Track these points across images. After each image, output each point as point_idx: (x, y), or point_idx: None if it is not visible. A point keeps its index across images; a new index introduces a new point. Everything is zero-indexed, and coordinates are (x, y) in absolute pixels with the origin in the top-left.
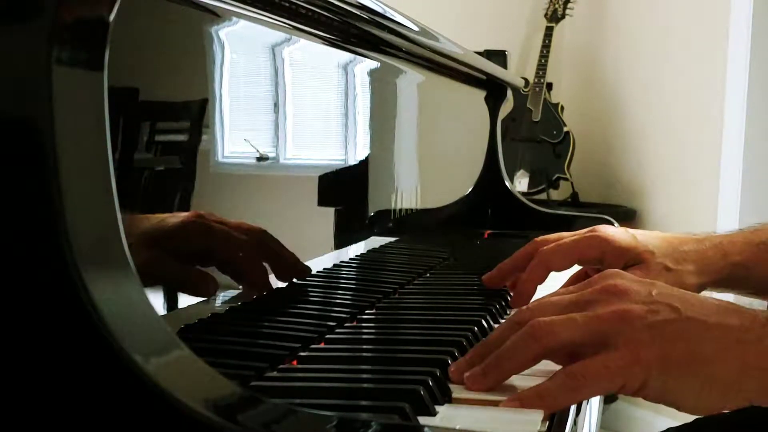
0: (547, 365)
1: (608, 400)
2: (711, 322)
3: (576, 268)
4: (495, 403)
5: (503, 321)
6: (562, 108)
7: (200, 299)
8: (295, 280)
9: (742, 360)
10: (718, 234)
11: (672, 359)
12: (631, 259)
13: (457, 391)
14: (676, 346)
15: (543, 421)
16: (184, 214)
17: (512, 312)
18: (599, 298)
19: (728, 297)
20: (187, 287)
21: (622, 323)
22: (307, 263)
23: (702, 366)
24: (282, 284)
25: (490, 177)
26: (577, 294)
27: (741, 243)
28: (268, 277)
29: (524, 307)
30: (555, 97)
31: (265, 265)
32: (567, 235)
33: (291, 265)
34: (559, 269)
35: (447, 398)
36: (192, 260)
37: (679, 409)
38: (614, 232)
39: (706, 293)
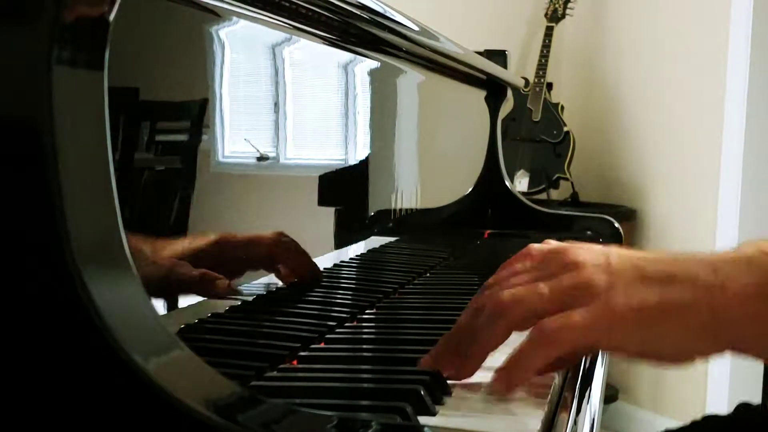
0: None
1: (608, 400)
2: (675, 272)
3: None
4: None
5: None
6: (563, 108)
7: (200, 299)
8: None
9: (711, 307)
10: (705, 254)
11: (644, 309)
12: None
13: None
14: (647, 299)
15: (543, 421)
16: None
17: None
18: (557, 272)
19: None
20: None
21: (589, 289)
22: None
23: (675, 313)
24: (282, 284)
25: (490, 177)
26: (537, 269)
27: (730, 262)
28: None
29: (485, 292)
30: (555, 96)
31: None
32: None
33: (310, 270)
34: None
35: (446, 393)
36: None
37: (661, 359)
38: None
39: None
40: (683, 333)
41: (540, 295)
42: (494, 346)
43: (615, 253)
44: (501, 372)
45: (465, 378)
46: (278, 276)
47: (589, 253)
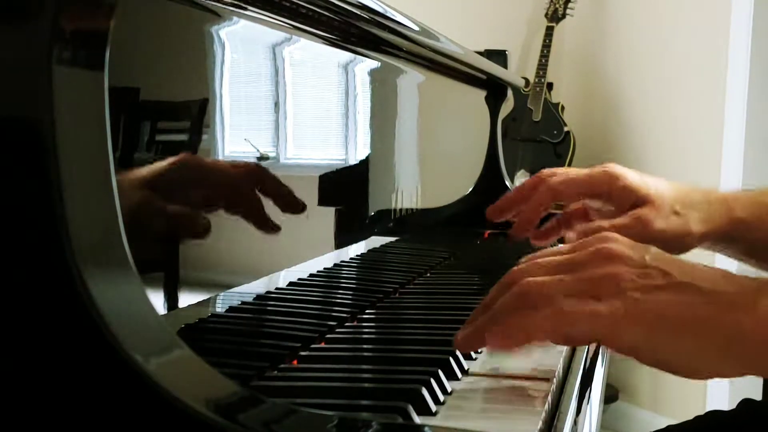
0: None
1: (608, 400)
2: (704, 287)
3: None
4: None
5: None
6: (563, 108)
7: (200, 299)
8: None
9: (735, 326)
10: (724, 191)
11: (665, 318)
12: (639, 198)
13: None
14: (669, 308)
15: (543, 421)
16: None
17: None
18: (591, 261)
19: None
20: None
21: (613, 285)
22: (307, 263)
23: (695, 328)
24: (282, 284)
25: (490, 177)
26: (568, 255)
27: (745, 200)
28: (264, 211)
29: (515, 267)
30: (555, 96)
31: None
32: (575, 170)
33: (289, 200)
34: (565, 200)
35: (448, 397)
36: (191, 199)
37: (673, 371)
38: (625, 171)
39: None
40: (699, 349)
41: (563, 285)
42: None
43: (652, 252)
44: (502, 328)
45: (475, 347)
46: (254, 209)
47: (625, 246)
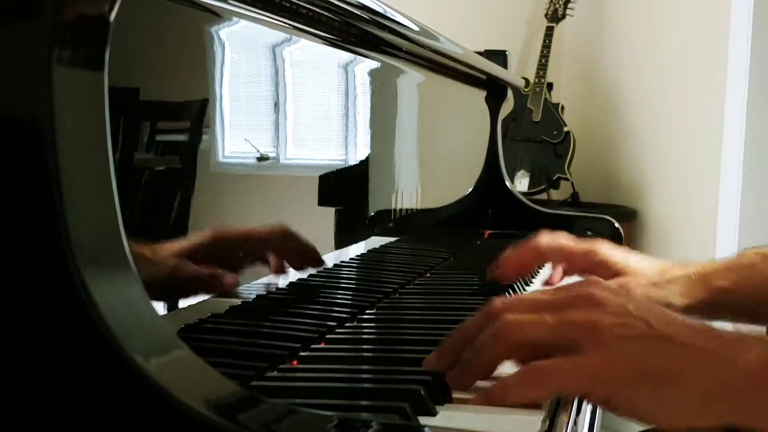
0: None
1: None
2: (684, 341)
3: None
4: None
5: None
6: (563, 108)
7: (200, 299)
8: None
9: (713, 379)
10: (702, 262)
11: (643, 373)
12: (618, 271)
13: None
14: (648, 361)
15: (543, 421)
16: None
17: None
18: (574, 303)
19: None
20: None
21: (593, 332)
22: None
23: (674, 382)
24: (282, 284)
25: (490, 177)
26: (552, 296)
27: (724, 269)
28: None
29: (498, 299)
30: (555, 97)
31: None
32: (568, 241)
33: (310, 257)
34: (549, 260)
35: (448, 398)
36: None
37: (652, 422)
38: (608, 248)
39: None
40: (679, 405)
41: (543, 325)
42: (489, 367)
43: (635, 300)
44: (485, 392)
45: (461, 389)
46: (280, 268)
47: (608, 293)
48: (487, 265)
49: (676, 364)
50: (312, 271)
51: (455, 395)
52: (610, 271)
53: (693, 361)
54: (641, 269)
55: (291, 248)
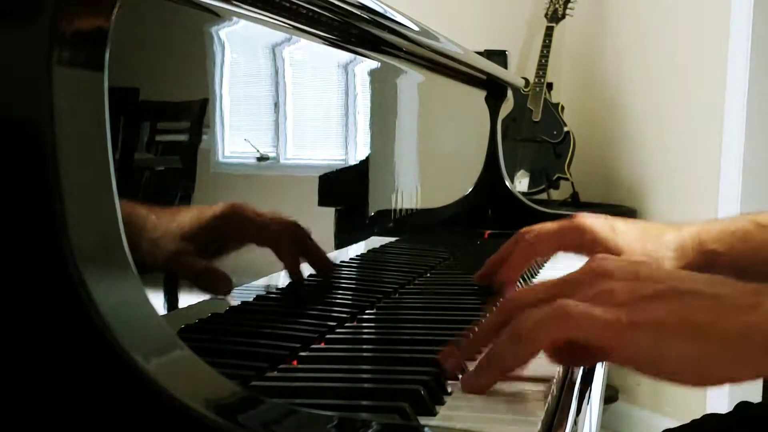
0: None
1: (608, 400)
2: (703, 291)
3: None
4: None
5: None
6: (563, 108)
7: (200, 299)
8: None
9: (741, 325)
10: (697, 223)
11: (665, 325)
12: (609, 249)
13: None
14: (669, 314)
15: (543, 421)
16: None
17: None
18: (584, 279)
19: None
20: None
21: (610, 298)
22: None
23: (698, 332)
24: (282, 284)
25: (490, 177)
26: (562, 277)
27: (717, 231)
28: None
29: (508, 296)
30: (555, 96)
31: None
32: (549, 224)
33: (322, 262)
34: (540, 255)
35: (448, 397)
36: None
37: (680, 382)
38: (593, 222)
39: None
40: (707, 356)
41: (560, 326)
42: (510, 371)
43: (646, 266)
44: (510, 335)
45: (475, 392)
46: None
47: (618, 261)
48: (477, 274)
49: (697, 315)
50: (319, 275)
51: (457, 393)
52: (601, 248)
53: (714, 310)
54: (629, 244)
55: (308, 250)
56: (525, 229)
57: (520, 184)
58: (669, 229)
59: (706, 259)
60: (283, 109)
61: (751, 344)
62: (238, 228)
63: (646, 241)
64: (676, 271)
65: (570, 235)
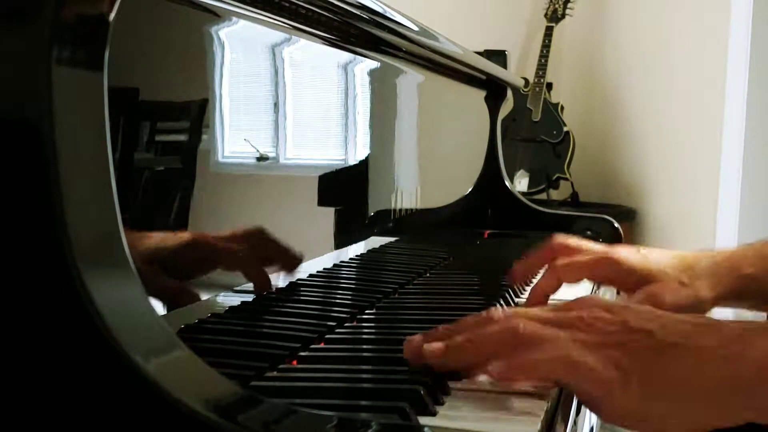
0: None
1: None
2: (688, 344)
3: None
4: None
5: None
6: (562, 108)
7: (200, 300)
8: (291, 274)
9: (725, 378)
10: (730, 249)
11: (650, 381)
12: (643, 279)
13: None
14: (653, 370)
15: (543, 421)
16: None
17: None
18: (574, 325)
19: (739, 314)
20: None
21: (598, 350)
22: (307, 263)
23: (680, 388)
24: (283, 283)
25: (490, 177)
26: (553, 314)
27: (752, 256)
28: (268, 278)
29: (497, 309)
30: (555, 96)
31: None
32: (585, 246)
33: (290, 261)
34: (569, 282)
35: (447, 397)
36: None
37: None
38: (627, 254)
39: (717, 310)
40: (688, 409)
41: (555, 345)
42: (482, 358)
43: (632, 311)
44: (502, 366)
45: (432, 360)
46: (258, 274)
47: (605, 311)
48: (507, 271)
49: (680, 369)
50: (293, 272)
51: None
52: (634, 279)
53: (698, 362)
54: (665, 271)
55: (268, 253)
56: (560, 243)
57: (520, 184)
58: (703, 256)
59: (742, 284)
60: (283, 109)
61: (735, 395)
62: (199, 258)
63: (680, 271)
64: (662, 317)
65: (604, 268)
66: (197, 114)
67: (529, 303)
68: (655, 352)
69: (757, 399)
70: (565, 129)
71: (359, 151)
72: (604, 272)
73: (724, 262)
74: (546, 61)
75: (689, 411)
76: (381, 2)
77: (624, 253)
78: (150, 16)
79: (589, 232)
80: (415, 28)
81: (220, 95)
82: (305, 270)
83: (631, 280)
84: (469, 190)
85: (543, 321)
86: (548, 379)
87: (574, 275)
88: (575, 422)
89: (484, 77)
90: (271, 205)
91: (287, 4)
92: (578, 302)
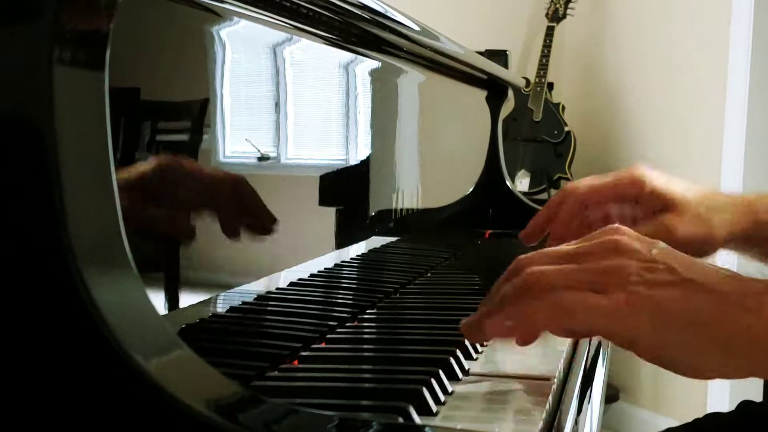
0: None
1: (609, 400)
2: (709, 284)
3: None
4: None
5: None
6: (563, 108)
7: (200, 299)
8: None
9: (740, 327)
10: (752, 194)
11: (667, 314)
12: (666, 204)
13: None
14: (672, 304)
15: (544, 421)
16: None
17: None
18: (597, 252)
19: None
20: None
21: (618, 277)
22: (308, 263)
23: (699, 326)
24: (283, 284)
25: (491, 177)
26: (575, 246)
27: None
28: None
29: (521, 256)
30: (556, 96)
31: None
32: (602, 176)
33: (264, 219)
34: (592, 208)
35: (449, 397)
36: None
37: (676, 370)
38: (652, 174)
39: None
40: (702, 348)
41: (567, 273)
42: (509, 330)
43: (659, 247)
44: (502, 317)
45: (477, 339)
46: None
47: (632, 239)
48: (523, 232)
49: (700, 309)
50: (262, 236)
51: (458, 393)
52: (658, 202)
53: (717, 307)
54: (686, 200)
55: (245, 202)
56: (571, 184)
57: (521, 184)
58: (722, 194)
59: (756, 229)
60: (284, 109)
61: (749, 346)
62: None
63: (699, 203)
64: (688, 258)
65: (628, 187)
66: (198, 114)
67: (554, 237)
68: (676, 286)
69: (766, 358)
70: (566, 129)
71: (360, 150)
72: (631, 193)
73: (741, 204)
74: (547, 61)
75: (702, 353)
76: (382, 2)
77: (648, 172)
78: (151, 16)
79: None
80: (417, 28)
81: (222, 95)
82: (306, 270)
83: (656, 205)
84: (470, 190)
85: (560, 257)
86: (557, 327)
87: (599, 197)
88: (576, 422)
89: (485, 77)
90: (272, 205)
91: (288, 4)
92: (604, 230)
